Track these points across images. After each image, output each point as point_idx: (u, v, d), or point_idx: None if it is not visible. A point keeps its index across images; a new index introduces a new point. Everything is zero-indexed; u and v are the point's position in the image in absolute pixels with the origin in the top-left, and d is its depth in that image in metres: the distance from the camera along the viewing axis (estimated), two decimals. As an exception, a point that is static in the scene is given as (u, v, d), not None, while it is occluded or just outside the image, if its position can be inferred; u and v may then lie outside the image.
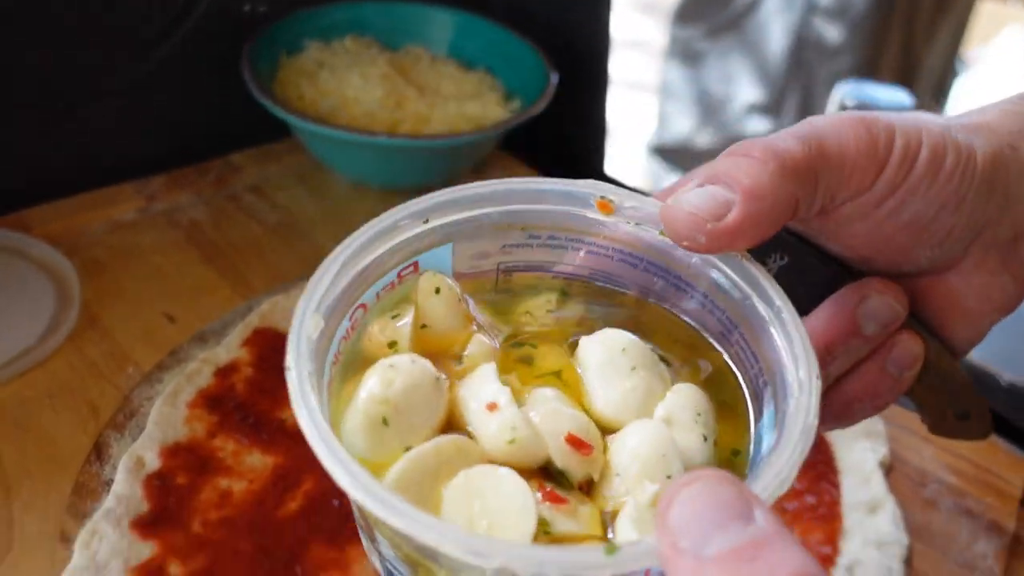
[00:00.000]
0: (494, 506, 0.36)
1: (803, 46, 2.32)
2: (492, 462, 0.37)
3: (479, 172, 1.02)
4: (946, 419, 0.51)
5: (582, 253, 0.46)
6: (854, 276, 0.46)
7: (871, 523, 0.65)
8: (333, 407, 0.38)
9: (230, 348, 0.71)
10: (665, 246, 0.44)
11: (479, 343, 0.43)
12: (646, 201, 0.44)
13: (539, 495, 0.37)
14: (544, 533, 0.36)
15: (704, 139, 2.53)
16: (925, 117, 0.44)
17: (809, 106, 2.36)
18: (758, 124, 2.42)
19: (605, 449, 0.40)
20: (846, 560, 0.63)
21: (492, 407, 0.38)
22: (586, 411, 0.41)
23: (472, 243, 0.44)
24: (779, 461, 0.35)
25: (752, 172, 0.40)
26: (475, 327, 0.44)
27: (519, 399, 0.40)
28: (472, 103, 0.93)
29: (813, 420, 0.37)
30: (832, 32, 2.27)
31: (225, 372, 0.69)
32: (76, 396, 0.69)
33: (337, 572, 0.58)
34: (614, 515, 0.38)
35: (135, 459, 0.62)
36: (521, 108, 0.95)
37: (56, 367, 0.71)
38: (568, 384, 0.42)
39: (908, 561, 0.64)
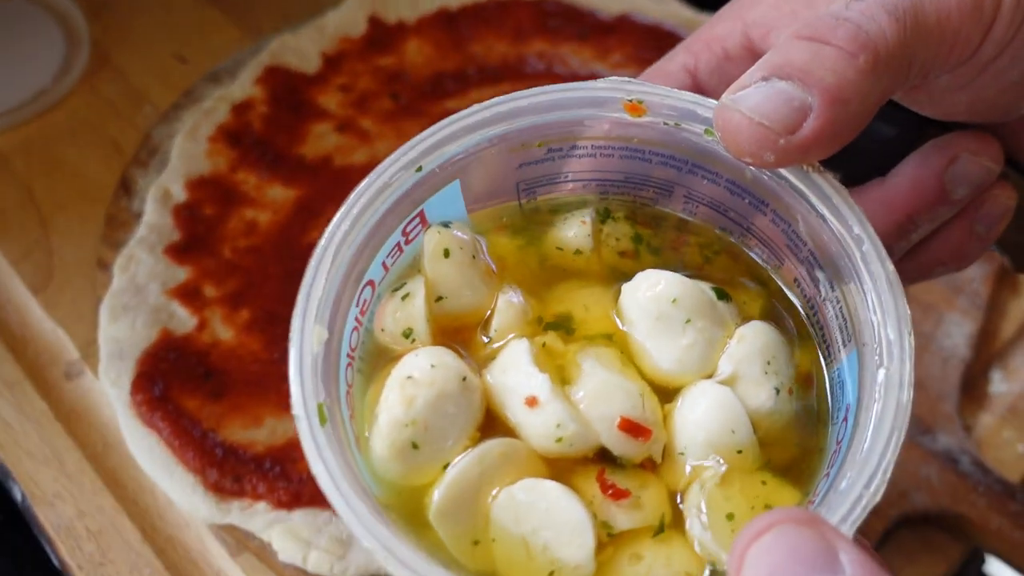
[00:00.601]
0: (548, 523, 0.32)
1: None
2: (542, 457, 0.34)
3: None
4: None
5: (615, 159, 0.39)
6: (937, 127, 0.39)
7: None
8: (359, 418, 0.35)
9: (244, 86, 0.71)
10: (712, 147, 0.37)
11: (507, 307, 0.37)
12: (683, 96, 0.37)
13: (597, 489, 0.34)
14: (608, 535, 0.33)
15: None
16: None
17: None
18: None
19: (666, 419, 0.35)
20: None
21: (532, 402, 0.34)
22: (640, 372, 0.36)
23: (483, 172, 0.38)
24: (870, 461, 0.30)
25: (837, 68, 0.31)
26: (499, 284, 0.38)
27: (564, 364, 0.36)
28: None
29: (908, 397, 0.31)
30: None
31: (241, 109, 0.70)
32: (98, 134, 0.71)
33: (362, 293, 0.62)
34: (683, 493, 0.35)
35: (162, 191, 0.64)
36: None
37: (75, 106, 0.72)
38: (619, 344, 0.37)
39: (900, 283, 0.68)
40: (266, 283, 0.61)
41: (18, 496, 0.55)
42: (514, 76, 0.77)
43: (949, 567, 0.59)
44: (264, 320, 0.59)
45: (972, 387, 0.66)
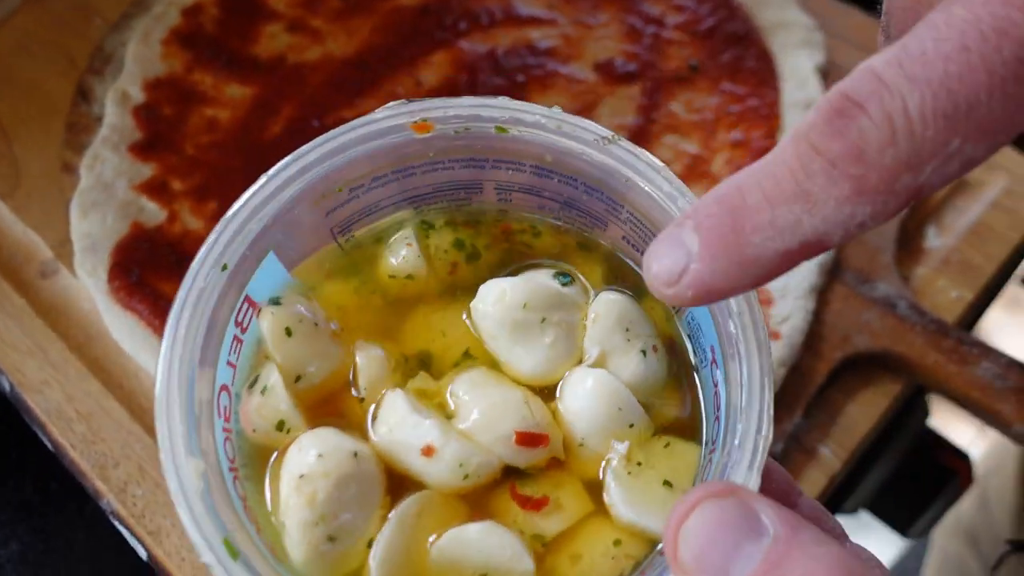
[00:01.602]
0: (485, 561, 0.33)
1: None
2: (456, 495, 0.35)
3: None
4: None
5: (418, 175, 0.39)
6: None
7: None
8: (267, 528, 0.34)
9: (193, -9, 0.72)
10: (506, 143, 0.38)
11: (368, 362, 0.36)
12: (464, 103, 0.37)
13: (516, 506, 0.35)
14: (542, 546, 0.35)
15: None
16: None
17: None
18: None
19: (555, 416, 0.36)
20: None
21: (428, 451, 0.34)
22: (515, 380, 0.37)
23: (294, 233, 0.37)
24: (752, 412, 0.33)
25: None
26: (351, 340, 0.38)
27: (441, 400, 0.36)
28: None
29: (765, 338, 0.34)
30: None
31: (192, 12, 0.71)
32: (50, 48, 0.72)
33: (325, 181, 0.64)
34: (597, 481, 0.36)
35: (120, 93, 0.65)
36: None
37: (24, 23, 0.73)
38: (481, 357, 0.37)
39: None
40: (230, 176, 0.63)
41: (6, 386, 0.57)
42: (458, -29, 0.78)
43: (891, 402, 0.63)
44: (231, 209, 0.61)
45: (908, 243, 0.70)
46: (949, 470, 0.81)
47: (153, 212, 0.61)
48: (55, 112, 0.68)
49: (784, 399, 0.61)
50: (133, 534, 0.53)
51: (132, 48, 0.68)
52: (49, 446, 0.56)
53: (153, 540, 0.52)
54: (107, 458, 0.55)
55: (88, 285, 0.58)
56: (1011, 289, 0.76)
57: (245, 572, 0.30)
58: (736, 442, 0.33)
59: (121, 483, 0.54)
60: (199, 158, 0.64)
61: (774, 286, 0.63)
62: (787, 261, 0.28)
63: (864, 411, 0.63)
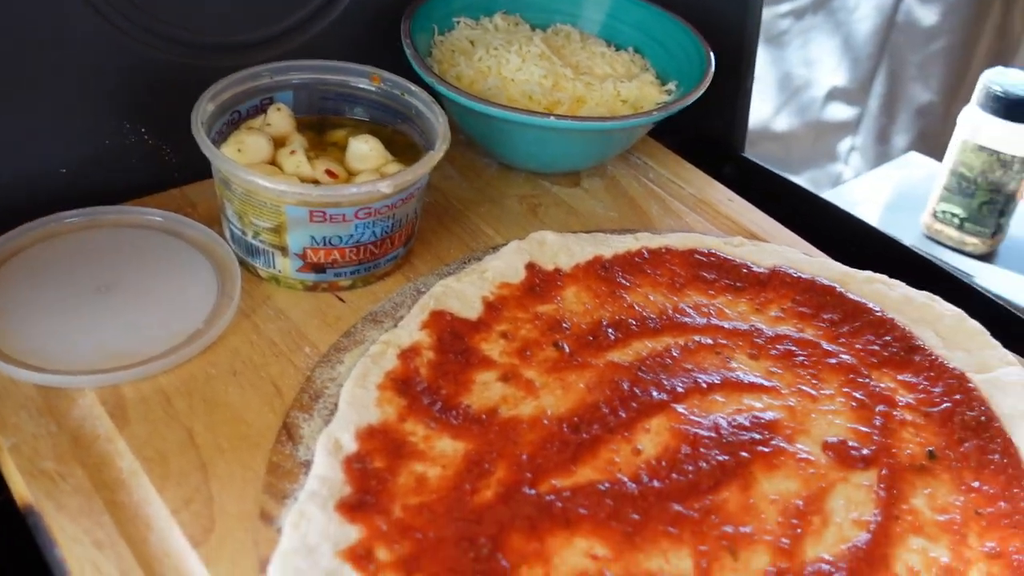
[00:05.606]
0: None
1: (893, 28, 2.25)
2: None
3: (624, 156, 1.00)
4: None
5: None
6: None
7: (1072, 533, 0.63)
8: None
9: (411, 331, 0.70)
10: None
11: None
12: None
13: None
14: None
15: (783, 123, 2.48)
16: None
17: (896, 91, 2.30)
18: (840, 109, 2.36)
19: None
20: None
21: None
22: None
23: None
24: None
25: None
26: None
27: None
28: (628, 85, 0.92)
29: None
30: (926, 14, 2.19)
31: (408, 355, 0.69)
32: (259, 373, 0.70)
33: (540, 564, 0.58)
34: None
35: (333, 441, 0.62)
36: (677, 91, 0.93)
37: (237, 344, 0.72)
38: None
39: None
40: (440, 547, 0.57)
41: None
42: (674, 328, 0.75)
43: None
44: (446, 590, 0.55)
45: None
46: None
47: (355, 585, 0.55)
48: (257, 448, 0.64)
49: None
50: None
51: (349, 390, 0.65)
52: None
53: None
54: None
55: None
56: None
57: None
58: None
59: None
60: (407, 522, 0.58)
61: None
62: None
63: None
